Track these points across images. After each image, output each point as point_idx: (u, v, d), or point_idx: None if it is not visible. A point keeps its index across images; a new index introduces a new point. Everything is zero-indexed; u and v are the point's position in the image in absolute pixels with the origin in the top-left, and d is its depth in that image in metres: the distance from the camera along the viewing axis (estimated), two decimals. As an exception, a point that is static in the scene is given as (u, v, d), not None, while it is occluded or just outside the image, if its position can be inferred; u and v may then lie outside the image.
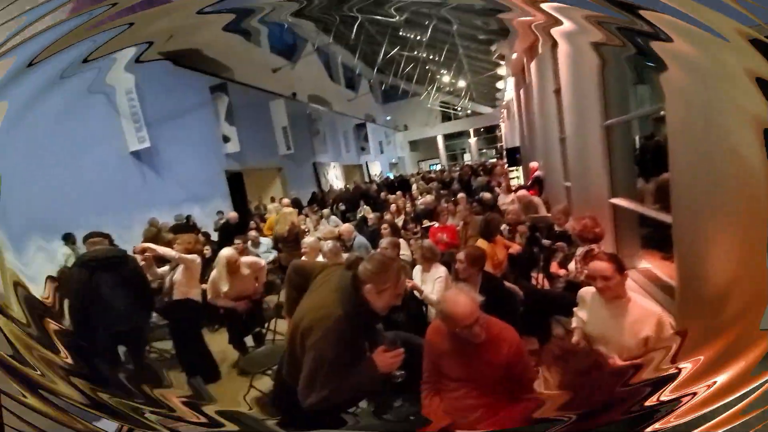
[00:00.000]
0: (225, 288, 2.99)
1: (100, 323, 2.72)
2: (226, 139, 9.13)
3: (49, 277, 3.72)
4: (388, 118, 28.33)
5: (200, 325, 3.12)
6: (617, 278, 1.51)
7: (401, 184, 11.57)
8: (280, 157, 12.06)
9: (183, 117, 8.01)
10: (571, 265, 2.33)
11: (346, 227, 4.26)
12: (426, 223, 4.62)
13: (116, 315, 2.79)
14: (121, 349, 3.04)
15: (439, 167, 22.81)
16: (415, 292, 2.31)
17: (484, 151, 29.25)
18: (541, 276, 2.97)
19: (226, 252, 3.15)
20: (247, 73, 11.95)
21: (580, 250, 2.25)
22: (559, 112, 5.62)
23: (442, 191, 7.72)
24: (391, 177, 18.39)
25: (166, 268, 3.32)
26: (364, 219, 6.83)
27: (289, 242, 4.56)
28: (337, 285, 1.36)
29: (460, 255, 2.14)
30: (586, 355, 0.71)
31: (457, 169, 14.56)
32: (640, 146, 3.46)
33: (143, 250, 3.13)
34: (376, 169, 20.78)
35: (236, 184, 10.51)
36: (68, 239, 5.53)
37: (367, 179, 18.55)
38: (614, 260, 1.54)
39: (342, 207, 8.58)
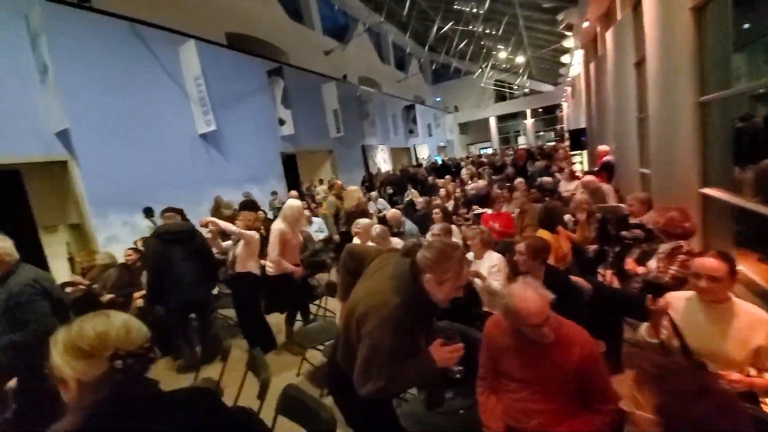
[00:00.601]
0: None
1: (172, 292, 3.02)
2: (281, 122, 9.50)
3: (133, 248, 4.18)
4: (438, 98, 27.28)
5: (259, 295, 3.31)
6: (727, 281, 1.27)
7: (450, 168, 11.19)
8: (331, 140, 12.33)
9: (244, 101, 8.44)
10: (652, 263, 2.04)
11: (394, 213, 4.15)
12: (477, 209, 4.38)
13: (186, 284, 3.07)
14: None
15: (490, 150, 21.66)
16: (476, 280, 2.19)
17: (542, 133, 27.00)
18: (609, 272, 2.67)
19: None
20: (301, 56, 12.20)
21: (665, 247, 1.94)
22: (639, 88, 4.94)
23: (494, 176, 7.28)
24: (439, 160, 17.91)
25: (230, 242, 3.55)
26: (412, 203, 6.73)
27: (355, 217, 4.71)
28: (393, 272, 1.32)
29: (520, 246, 1.97)
30: (692, 376, 0.59)
31: (511, 152, 13.64)
32: (735, 128, 2.92)
33: (207, 224, 3.34)
34: (424, 152, 20.36)
35: (290, 165, 10.97)
36: (148, 213, 6.22)
37: (414, 162, 18.26)
38: (727, 259, 1.29)
39: (390, 190, 8.54)
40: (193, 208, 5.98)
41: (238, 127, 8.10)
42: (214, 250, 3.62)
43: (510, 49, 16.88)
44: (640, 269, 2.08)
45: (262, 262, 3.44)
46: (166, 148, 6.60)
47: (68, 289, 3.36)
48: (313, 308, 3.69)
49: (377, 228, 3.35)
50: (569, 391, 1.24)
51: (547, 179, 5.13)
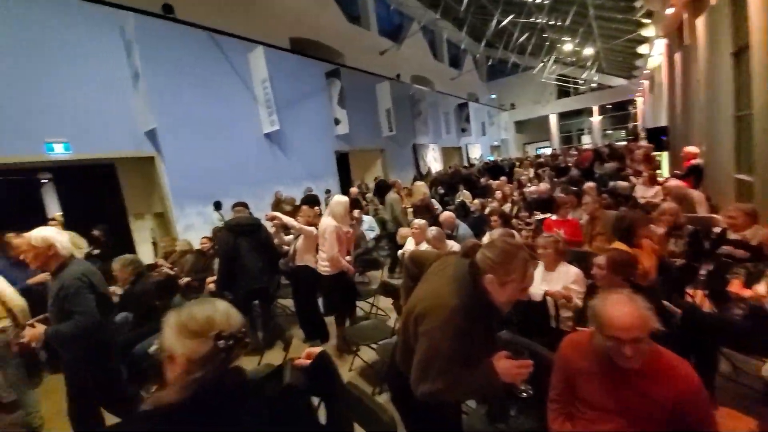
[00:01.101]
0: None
1: (239, 279, 3.28)
2: (337, 122, 9.81)
3: (208, 237, 4.58)
4: (493, 96, 26.20)
5: (316, 288, 3.45)
6: None
7: (504, 169, 10.68)
8: (384, 139, 12.46)
9: (304, 101, 8.87)
10: (761, 287, 1.73)
11: (447, 215, 4.04)
12: (538, 214, 4.08)
13: (252, 273, 3.31)
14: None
15: (549, 150, 20.24)
16: (557, 299, 1.95)
17: (610, 131, 24.63)
18: (700, 293, 2.33)
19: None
20: (356, 57, 12.48)
21: (781, 269, 1.65)
22: (737, 81, 4.28)
23: (555, 179, 6.77)
24: (491, 160, 17.17)
25: (291, 236, 3.76)
26: (463, 204, 6.54)
27: (421, 211, 4.75)
28: (453, 274, 1.28)
29: (600, 258, 1.78)
30: None
31: (575, 152, 12.54)
32: None
33: (272, 218, 3.58)
34: (476, 152, 19.69)
35: (343, 163, 11.30)
36: (217, 206, 6.81)
37: (466, 162, 17.74)
38: None
39: (441, 190, 8.39)
40: (256, 203, 6.41)
41: (298, 127, 8.52)
42: (276, 242, 3.83)
43: (577, 40, 15.63)
44: (748, 293, 1.78)
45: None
46: (236, 147, 7.16)
47: (154, 272, 3.78)
48: (365, 306, 3.75)
49: (433, 230, 3.29)
50: (667, 427, 1.09)
51: (621, 183, 4.65)
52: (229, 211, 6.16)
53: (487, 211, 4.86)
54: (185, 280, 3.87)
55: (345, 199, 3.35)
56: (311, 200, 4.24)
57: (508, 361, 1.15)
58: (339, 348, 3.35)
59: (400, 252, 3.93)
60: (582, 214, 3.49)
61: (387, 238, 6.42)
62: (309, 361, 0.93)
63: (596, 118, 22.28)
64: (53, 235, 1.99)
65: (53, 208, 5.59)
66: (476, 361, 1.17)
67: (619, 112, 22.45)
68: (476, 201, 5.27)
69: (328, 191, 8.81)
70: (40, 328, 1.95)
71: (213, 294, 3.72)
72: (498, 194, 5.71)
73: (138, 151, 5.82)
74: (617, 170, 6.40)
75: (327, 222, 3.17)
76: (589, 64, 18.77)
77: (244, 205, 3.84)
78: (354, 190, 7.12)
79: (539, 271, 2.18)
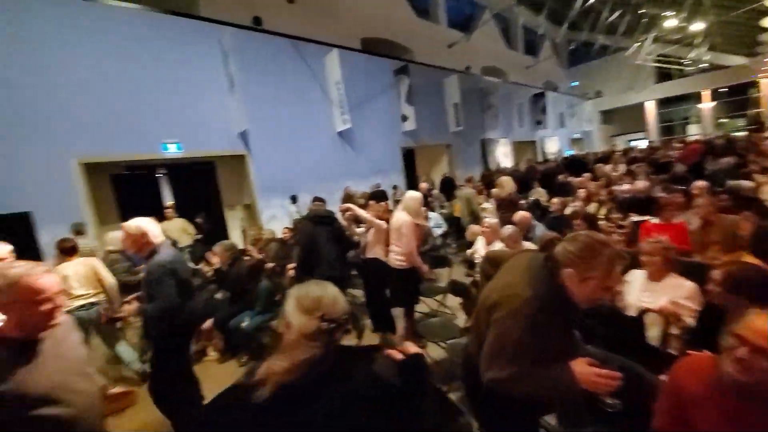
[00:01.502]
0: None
1: (316, 267, 3.54)
2: (404, 118, 9.89)
3: (289, 227, 5.00)
4: (575, 83, 23.73)
5: (385, 280, 3.56)
6: None
7: (586, 164, 9.65)
8: (450, 134, 12.20)
9: (373, 99, 9.13)
10: None
11: (523, 215, 3.78)
12: (634, 216, 3.58)
13: (327, 262, 3.56)
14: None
15: (643, 143, 17.66)
16: (668, 314, 1.69)
17: (723, 120, 20.73)
18: None
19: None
20: (425, 52, 12.36)
21: None
22: None
23: (653, 176, 5.90)
24: (571, 154, 15.62)
25: (362, 229, 3.94)
26: (537, 203, 6.11)
27: (506, 205, 4.66)
28: (528, 265, 1.22)
29: (715, 273, 1.52)
30: None
31: (679, 144, 10.68)
32: None
33: (346, 209, 3.79)
34: (554, 145, 18.10)
35: (408, 159, 11.36)
36: (293, 199, 7.40)
37: (541, 158, 16.42)
38: None
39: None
40: (328, 198, 6.79)
41: (366, 124, 8.79)
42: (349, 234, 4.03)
43: (683, 14, 13.38)
44: None
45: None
46: (312, 145, 7.70)
47: (245, 257, 4.26)
48: (433, 304, 3.75)
49: (509, 228, 3.14)
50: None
51: (744, 183, 3.89)
52: (304, 204, 6.68)
53: (568, 211, 4.46)
54: (270, 265, 4.29)
55: (419, 194, 3.37)
56: (379, 195, 4.36)
57: (589, 366, 1.09)
58: (407, 341, 3.41)
59: (469, 251, 3.83)
60: (691, 217, 3.01)
61: (454, 235, 6.31)
62: (401, 356, 0.96)
63: (707, 105, 18.85)
64: (146, 224, 2.19)
65: (167, 199, 6.64)
66: (551, 359, 1.12)
67: (737, 97, 18.67)
68: (555, 200, 4.84)
69: (395, 187, 8.95)
70: (134, 305, 2.23)
71: (292, 280, 4.08)
72: (581, 193, 5.18)
73: (232, 150, 6.59)
74: (735, 166, 5.36)
75: (402, 217, 3.18)
76: (698, 41, 15.93)
77: (322, 200, 4.12)
78: (423, 185, 7.12)
79: (640, 280, 1.94)
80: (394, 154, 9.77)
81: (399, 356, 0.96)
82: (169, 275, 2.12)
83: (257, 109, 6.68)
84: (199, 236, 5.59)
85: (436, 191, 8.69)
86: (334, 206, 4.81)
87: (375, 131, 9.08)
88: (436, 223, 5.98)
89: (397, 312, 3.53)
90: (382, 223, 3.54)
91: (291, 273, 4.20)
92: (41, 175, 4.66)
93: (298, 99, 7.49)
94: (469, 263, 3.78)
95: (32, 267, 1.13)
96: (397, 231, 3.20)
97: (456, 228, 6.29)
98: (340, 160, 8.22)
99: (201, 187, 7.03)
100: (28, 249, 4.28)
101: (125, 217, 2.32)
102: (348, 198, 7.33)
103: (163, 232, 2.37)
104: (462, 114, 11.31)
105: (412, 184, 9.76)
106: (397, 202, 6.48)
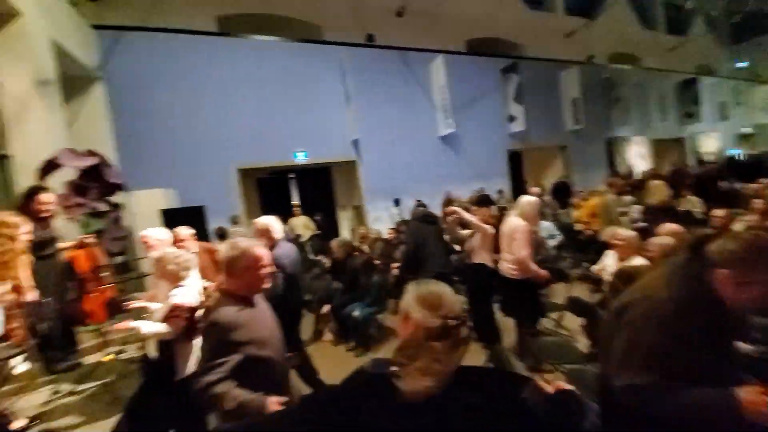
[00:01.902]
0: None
1: (424, 263, 3.64)
2: (511, 119, 9.29)
3: (394, 228, 5.26)
4: (743, 64, 18.74)
5: (492, 288, 3.40)
6: None
7: (761, 167, 7.35)
8: (566, 134, 10.92)
9: (477, 101, 8.89)
10: None
11: (673, 228, 2.95)
12: None
13: (436, 259, 3.62)
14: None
15: None
16: None
17: None
18: None
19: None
20: (537, 46, 11.40)
21: None
22: None
23: None
24: (738, 154, 12.17)
25: (466, 232, 3.87)
26: (688, 214, 4.96)
27: (659, 212, 4.13)
28: (668, 267, 1.06)
29: None
30: None
31: None
32: None
33: (451, 213, 3.77)
34: (711, 143, 14.47)
35: (515, 162, 10.60)
36: (396, 203, 7.74)
37: (693, 159, 13.28)
38: None
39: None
40: (429, 202, 6.90)
41: (470, 127, 8.62)
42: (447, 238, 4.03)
43: None
44: None
45: (496, 256, 3.49)
46: (415, 151, 7.97)
47: (356, 254, 4.63)
48: (547, 322, 3.41)
49: (664, 239, 2.58)
50: None
51: None
52: (406, 208, 6.93)
53: (738, 226, 3.50)
54: (377, 263, 4.57)
55: (536, 199, 3.13)
56: (485, 200, 4.22)
57: (761, 393, 0.89)
58: (526, 362, 3.09)
59: (594, 268, 3.33)
60: None
61: (572, 246, 5.64)
62: (551, 390, 0.88)
63: None
64: (271, 222, 2.53)
65: (295, 199, 7.79)
66: (696, 372, 0.96)
67: None
68: (719, 212, 3.84)
69: (500, 192, 8.49)
70: None
71: (396, 278, 4.25)
72: (757, 203, 4.00)
73: (345, 157, 7.30)
74: None
75: (517, 222, 2.97)
76: None
77: (423, 204, 4.24)
78: (535, 190, 6.56)
79: None
80: (498, 158, 9.29)
81: (549, 389, 0.89)
82: (278, 268, 2.37)
83: (367, 119, 7.26)
84: (318, 232, 6.33)
85: (547, 197, 7.91)
86: (435, 211, 4.83)
87: (478, 134, 8.82)
88: (549, 233, 5.43)
89: (508, 323, 3.32)
90: (490, 227, 3.40)
91: (395, 271, 4.39)
92: (212, 178, 6.07)
93: (404, 107, 7.86)
94: (595, 280, 3.30)
95: (254, 242, 1.47)
96: (509, 237, 2.99)
97: (573, 238, 5.62)
98: (442, 164, 8.26)
99: (319, 190, 7.98)
100: (200, 234, 5.56)
101: (266, 213, 2.75)
102: (449, 202, 7.29)
103: (291, 227, 2.78)
104: (582, 110, 10.07)
105: (519, 190, 9.09)
106: (502, 209, 6.13)
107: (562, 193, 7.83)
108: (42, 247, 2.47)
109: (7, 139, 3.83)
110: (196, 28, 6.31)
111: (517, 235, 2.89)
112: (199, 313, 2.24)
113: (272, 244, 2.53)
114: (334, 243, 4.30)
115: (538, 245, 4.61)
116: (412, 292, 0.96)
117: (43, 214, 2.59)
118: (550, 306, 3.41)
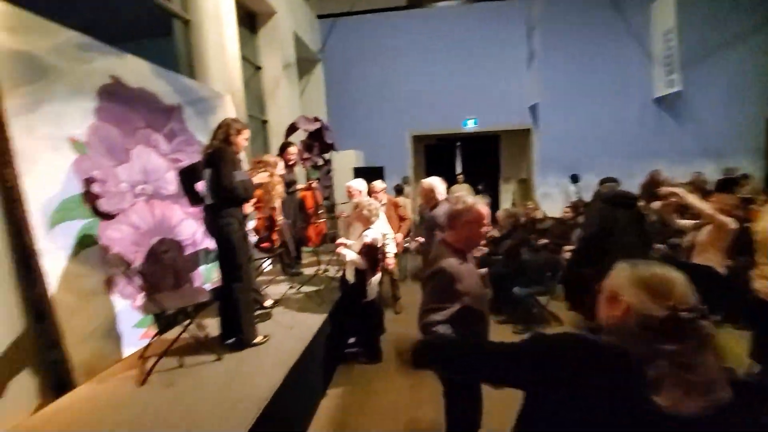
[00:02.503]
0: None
1: (611, 255, 3.08)
2: (784, 73, 6.20)
3: (571, 206, 4.70)
4: None
5: (722, 301, 2.61)
6: None
7: None
8: None
9: (723, 52, 6.34)
10: None
11: None
12: None
13: (628, 252, 3.00)
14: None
15: None
16: None
17: None
18: None
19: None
20: None
21: None
22: None
23: None
24: None
25: (687, 223, 3.03)
26: None
27: None
28: None
29: None
30: None
31: None
32: None
33: (669, 194, 2.94)
34: None
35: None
36: (574, 179, 6.68)
37: None
38: None
39: None
40: (626, 180, 5.64)
41: (707, 87, 6.34)
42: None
43: None
44: None
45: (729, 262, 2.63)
46: (612, 117, 6.59)
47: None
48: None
49: None
50: None
51: None
52: (586, 185, 5.88)
53: None
54: (543, 242, 4.22)
55: None
56: (729, 183, 3.15)
57: None
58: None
59: None
60: None
61: None
62: None
63: None
64: (436, 182, 2.82)
65: (458, 167, 7.92)
66: None
67: None
68: None
69: (745, 176, 6.12)
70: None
71: (568, 265, 3.81)
72: None
73: (519, 124, 6.76)
74: None
75: None
76: None
77: (614, 180, 3.53)
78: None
79: None
80: (748, 128, 6.58)
81: None
82: (432, 228, 2.72)
83: (554, 80, 6.41)
84: (480, 203, 6.30)
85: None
86: (634, 191, 3.94)
87: (719, 95, 6.40)
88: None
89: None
90: (730, 220, 2.53)
91: (567, 255, 3.95)
92: (391, 141, 6.91)
93: (604, 62, 6.50)
94: None
95: (478, 199, 1.55)
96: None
97: None
98: (651, 134, 6.50)
99: (484, 159, 7.80)
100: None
101: (429, 176, 3.02)
102: (655, 184, 5.80)
103: (452, 194, 2.89)
104: None
105: (778, 174, 6.31)
106: (747, 200, 4.43)
107: None
108: (288, 186, 3.49)
109: (266, 108, 5.41)
110: (391, 6, 6.93)
111: None
112: (388, 251, 2.81)
113: (435, 203, 2.75)
114: (500, 213, 4.22)
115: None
116: (626, 270, 0.83)
117: (290, 162, 3.62)
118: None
